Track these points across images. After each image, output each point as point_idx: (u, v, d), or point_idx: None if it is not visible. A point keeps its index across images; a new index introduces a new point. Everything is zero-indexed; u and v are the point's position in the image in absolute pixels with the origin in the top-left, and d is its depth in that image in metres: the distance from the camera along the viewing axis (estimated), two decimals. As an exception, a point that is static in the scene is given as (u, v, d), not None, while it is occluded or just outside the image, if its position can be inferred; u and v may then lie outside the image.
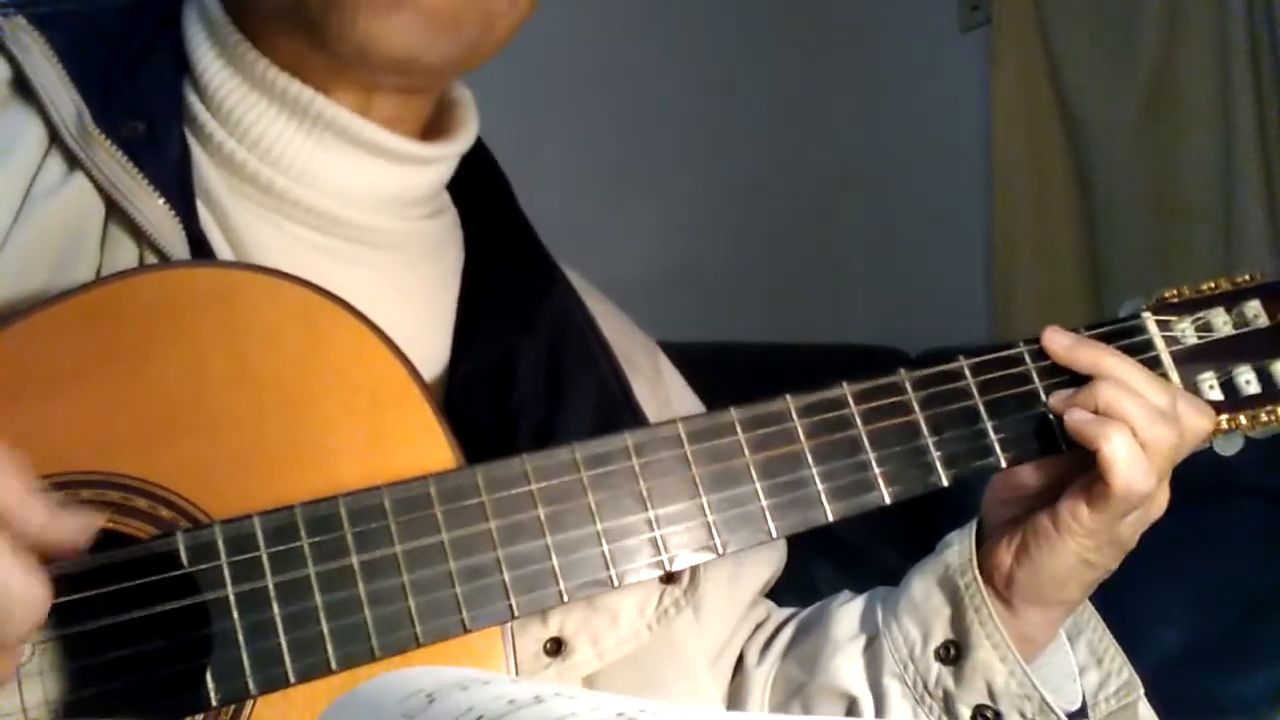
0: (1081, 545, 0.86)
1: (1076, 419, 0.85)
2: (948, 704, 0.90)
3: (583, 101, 2.40)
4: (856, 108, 2.73)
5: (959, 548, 0.92)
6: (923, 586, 0.93)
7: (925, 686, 0.91)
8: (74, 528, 0.63)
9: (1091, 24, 2.34)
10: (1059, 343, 0.89)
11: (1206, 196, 2.13)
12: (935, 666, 0.91)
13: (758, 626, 1.03)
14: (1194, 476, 1.83)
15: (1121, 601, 1.93)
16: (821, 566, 1.85)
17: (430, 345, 0.90)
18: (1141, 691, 0.93)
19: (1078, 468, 0.87)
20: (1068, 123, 2.39)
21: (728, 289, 2.53)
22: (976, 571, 0.90)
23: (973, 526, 0.93)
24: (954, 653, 0.90)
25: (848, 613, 0.98)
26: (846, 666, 0.94)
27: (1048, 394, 0.88)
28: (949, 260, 2.60)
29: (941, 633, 0.91)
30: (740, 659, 1.02)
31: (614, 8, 2.45)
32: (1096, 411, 0.85)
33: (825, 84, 2.70)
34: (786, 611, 1.05)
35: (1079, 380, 0.88)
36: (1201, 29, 2.15)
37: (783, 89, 2.66)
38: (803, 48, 2.68)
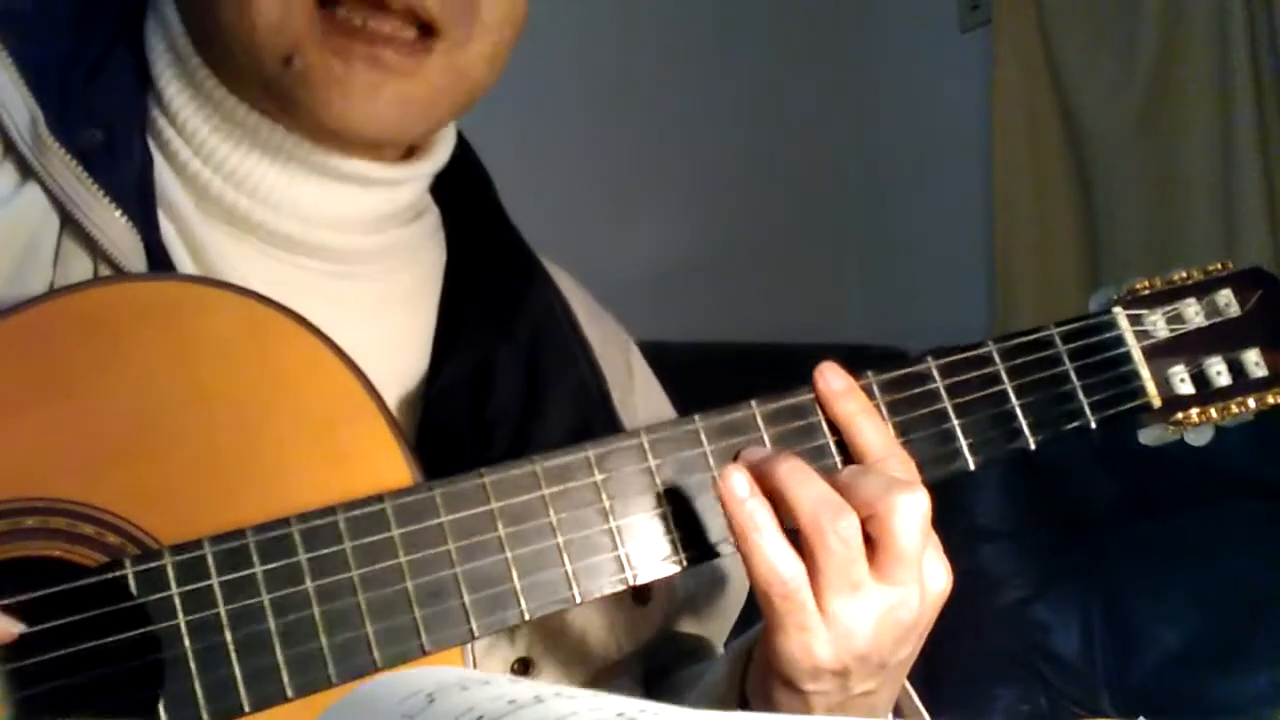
0: (785, 673, 0.73)
1: (725, 499, 0.72)
2: None
3: (580, 103, 2.40)
4: (856, 108, 2.72)
5: (734, 655, 0.83)
6: (704, 692, 0.85)
7: None
8: None
9: (1091, 24, 2.33)
10: (829, 385, 0.81)
11: (1206, 196, 2.12)
12: None
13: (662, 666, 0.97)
14: (1194, 477, 1.84)
15: (1122, 601, 1.95)
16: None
17: (410, 349, 0.89)
18: None
19: None
20: (1068, 123, 2.38)
21: (726, 289, 2.52)
22: (739, 689, 0.81)
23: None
24: None
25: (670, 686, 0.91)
26: None
27: (1016, 396, 0.85)
28: (949, 260, 2.59)
29: None
30: None
31: (612, 9, 2.45)
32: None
33: (825, 84, 2.69)
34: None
35: (1044, 376, 0.86)
36: (1201, 29, 2.14)
37: (782, 89, 2.65)
38: (802, 48, 2.67)
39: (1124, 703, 1.93)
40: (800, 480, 0.72)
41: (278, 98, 0.81)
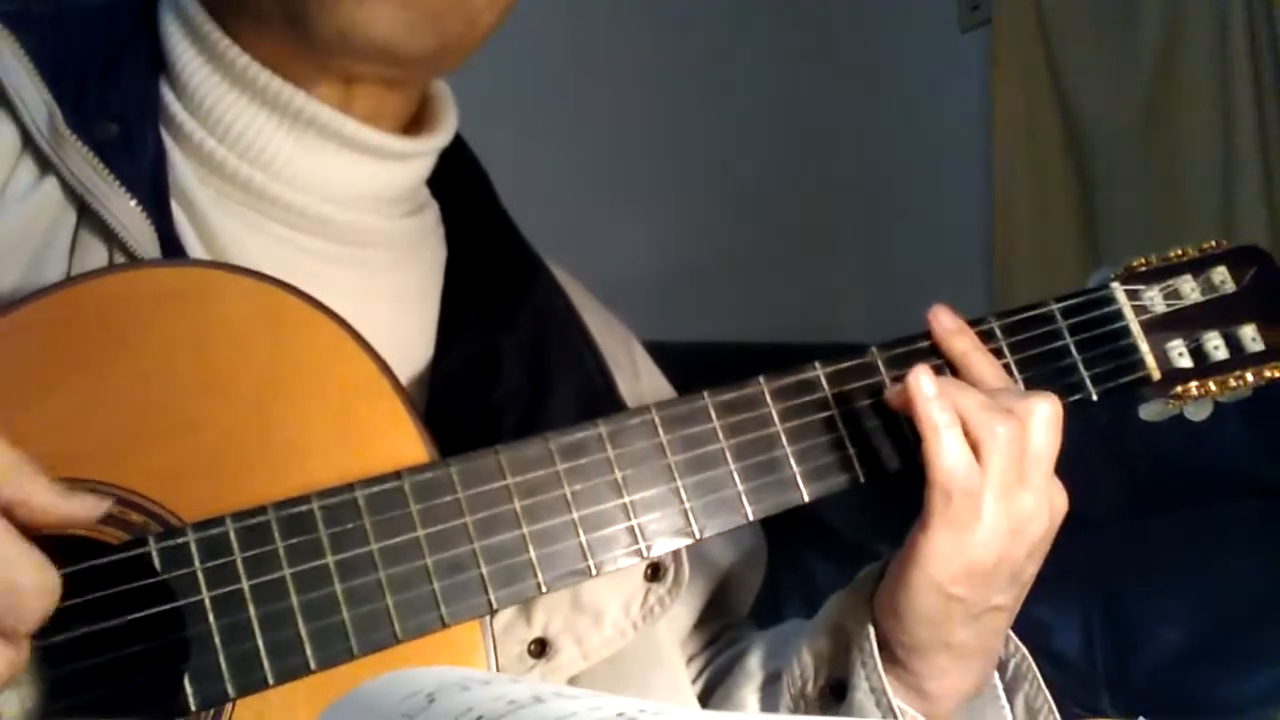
0: (935, 574, 0.79)
1: (915, 397, 0.78)
2: None
3: (580, 102, 2.40)
4: (856, 107, 2.72)
5: (862, 580, 0.88)
6: (825, 619, 0.89)
7: None
8: (80, 508, 0.63)
9: (1091, 24, 2.34)
10: (943, 324, 0.87)
11: (1206, 196, 2.13)
12: (820, 706, 0.87)
13: (716, 637, 1.01)
14: (1194, 476, 1.84)
15: (1122, 601, 1.95)
16: (822, 565, 1.85)
17: (415, 343, 0.90)
18: None
19: None
20: (1068, 122, 2.39)
21: (727, 289, 2.53)
22: (869, 610, 0.85)
23: (886, 559, 0.86)
24: (838, 693, 0.85)
25: (762, 643, 0.95)
26: (750, 698, 0.92)
27: (1020, 370, 0.88)
28: (949, 260, 2.60)
29: (829, 671, 0.87)
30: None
31: (612, 6, 2.45)
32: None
33: (825, 84, 2.69)
34: (752, 632, 1.02)
35: (1046, 350, 0.90)
36: (1201, 29, 2.15)
37: (782, 89, 2.65)
38: (802, 47, 2.67)
39: (1124, 703, 1.93)
40: (965, 388, 0.80)
41: (288, 16, 0.82)
